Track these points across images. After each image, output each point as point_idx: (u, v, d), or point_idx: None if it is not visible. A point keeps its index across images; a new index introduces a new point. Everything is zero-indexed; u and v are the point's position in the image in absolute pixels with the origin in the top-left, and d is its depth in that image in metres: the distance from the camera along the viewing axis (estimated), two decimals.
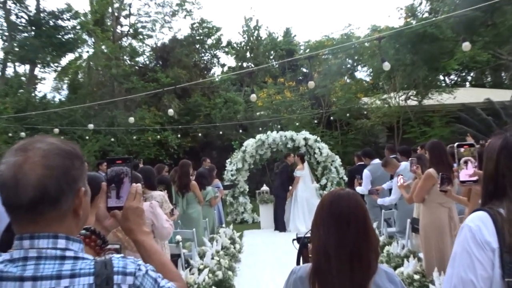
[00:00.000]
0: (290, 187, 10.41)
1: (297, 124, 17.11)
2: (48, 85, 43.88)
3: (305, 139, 11.74)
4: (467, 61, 17.71)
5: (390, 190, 6.74)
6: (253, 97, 8.93)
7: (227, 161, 12.25)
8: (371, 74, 19.09)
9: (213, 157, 19.90)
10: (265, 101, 18.37)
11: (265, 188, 11.69)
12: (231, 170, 11.89)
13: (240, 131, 18.78)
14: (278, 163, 11.59)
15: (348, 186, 8.24)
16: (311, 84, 8.05)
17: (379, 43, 8.51)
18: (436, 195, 4.30)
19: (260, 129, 16.94)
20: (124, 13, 22.06)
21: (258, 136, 11.96)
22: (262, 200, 11.14)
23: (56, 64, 19.72)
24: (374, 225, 6.40)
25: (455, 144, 2.06)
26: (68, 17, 18.37)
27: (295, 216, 10.01)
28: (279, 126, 16.77)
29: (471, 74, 23.85)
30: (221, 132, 18.35)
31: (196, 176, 7.52)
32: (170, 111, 10.60)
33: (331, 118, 18.49)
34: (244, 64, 23.43)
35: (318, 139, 12.13)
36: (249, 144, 11.77)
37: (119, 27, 21.82)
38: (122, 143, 17.88)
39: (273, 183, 11.29)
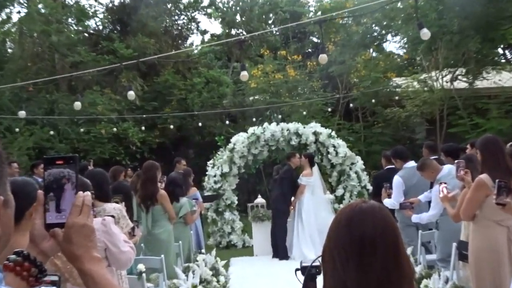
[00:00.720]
0: (293, 199, 10.59)
1: (305, 113, 17.25)
2: None
3: (315, 133, 12.00)
4: None
5: (429, 203, 6.81)
6: (244, 75, 9.02)
7: (208, 163, 12.46)
8: (406, 46, 19.08)
9: (190, 158, 19.61)
10: (261, 82, 18.53)
11: (260, 200, 11.92)
12: (214, 176, 12.13)
13: (227, 122, 18.92)
14: (278, 166, 11.88)
15: (373, 198, 8.32)
16: (324, 58, 8.12)
17: (416, 3, 8.46)
18: (491, 210, 4.34)
19: (254, 119, 17.07)
20: None
21: (251, 130, 12.24)
22: (256, 216, 11.34)
23: None
24: (408, 251, 6.46)
25: None
26: None
27: (300, 238, 10.22)
28: (279, 116, 16.86)
29: None
30: (200, 124, 18.56)
31: (166, 184, 7.61)
32: (131, 94, 10.66)
33: (351, 105, 18.77)
34: (233, 32, 23.67)
35: (333, 133, 12.40)
36: (239, 140, 12.00)
37: None
38: (65, 137, 17.97)
39: (271, 194, 11.47)
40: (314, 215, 10.24)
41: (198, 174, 11.99)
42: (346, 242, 1.81)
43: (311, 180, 10.36)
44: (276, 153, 12.44)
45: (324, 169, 12.07)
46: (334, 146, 11.94)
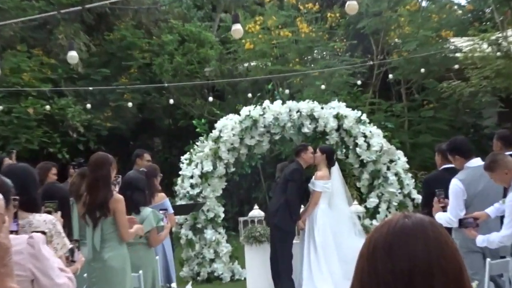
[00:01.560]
0: (302, 210, 10.78)
1: (323, 87, 17.22)
2: None
3: (338, 117, 12.22)
4: None
5: (501, 218, 6.84)
6: (237, 31, 9.06)
7: (183, 158, 12.65)
8: None
9: (157, 151, 20.43)
10: (260, 41, 18.62)
11: (256, 213, 12.10)
12: (191, 177, 12.36)
13: (211, 99, 18.74)
14: (284, 164, 12.00)
15: (422, 210, 8.44)
16: (353, 7, 8.20)
17: None
18: None
19: (250, 96, 17.06)
20: None
21: (245, 111, 12.47)
22: (250, 236, 11.50)
23: None
24: (473, 286, 6.28)
25: None
26: None
27: (312, 269, 10.30)
28: (287, 91, 16.60)
29: None
30: (172, 101, 18.74)
31: (121, 187, 7.69)
32: (72, 57, 10.72)
33: (390, 77, 18.73)
34: None
35: (364, 117, 12.56)
36: (228, 125, 12.23)
37: None
38: None
39: (270, 204, 11.56)
40: (332, 236, 10.39)
41: (168, 174, 12.46)
42: (386, 277, 1.82)
43: (328, 185, 10.51)
44: (281, 145, 12.77)
45: (350, 169, 12.34)
46: (365, 136, 12.10)
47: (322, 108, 12.31)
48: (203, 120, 13.24)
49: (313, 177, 10.62)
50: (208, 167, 12.02)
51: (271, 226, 10.87)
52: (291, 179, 10.51)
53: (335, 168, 10.88)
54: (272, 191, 12.36)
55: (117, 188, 7.53)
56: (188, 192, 12.10)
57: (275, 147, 12.75)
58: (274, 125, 12.19)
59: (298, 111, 12.20)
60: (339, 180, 10.92)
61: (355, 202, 11.95)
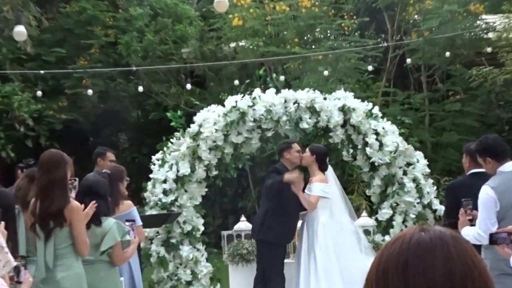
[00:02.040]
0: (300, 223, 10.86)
1: (326, 73, 17.13)
2: None
3: (345, 109, 12.24)
4: None
5: None
6: (222, 3, 9.26)
7: (154, 158, 12.64)
8: None
9: (122, 149, 20.56)
10: (251, 17, 18.58)
11: (243, 225, 12.26)
12: (165, 181, 12.26)
13: (189, 86, 18.64)
14: (277, 166, 12.05)
15: (444, 223, 8.51)
16: None
17: None
18: None
19: (237, 83, 16.95)
20: None
21: (230, 101, 12.38)
22: (236, 254, 11.60)
23: None
24: None
25: None
26: None
27: None
28: (282, 78, 16.78)
29: None
30: (141, 89, 18.80)
31: (78, 192, 7.68)
32: (19, 33, 10.79)
33: (408, 61, 18.62)
34: None
35: (376, 110, 12.55)
36: (209, 119, 12.22)
37: None
38: None
39: (258, 216, 11.62)
40: (335, 255, 10.47)
41: (137, 178, 12.47)
42: None
43: (327, 189, 10.67)
44: (274, 143, 12.58)
45: (358, 173, 12.37)
46: (376, 133, 12.12)
47: (325, 98, 12.29)
48: (179, 112, 13.02)
49: (310, 182, 10.73)
50: (185, 169, 11.82)
51: (257, 242, 10.99)
52: (268, 185, 10.74)
53: (330, 173, 10.99)
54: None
55: (73, 194, 7.50)
56: (160, 200, 11.91)
57: (267, 145, 12.63)
58: (266, 119, 12.17)
59: (295, 102, 12.19)
60: (335, 186, 11.00)
61: (364, 213, 12.07)
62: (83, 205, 7.22)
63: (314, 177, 10.72)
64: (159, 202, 12.12)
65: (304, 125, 12.25)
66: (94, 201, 7.40)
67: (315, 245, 10.46)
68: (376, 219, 12.15)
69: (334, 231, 10.63)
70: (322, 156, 10.82)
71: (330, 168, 11.00)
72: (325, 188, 10.58)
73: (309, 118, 12.29)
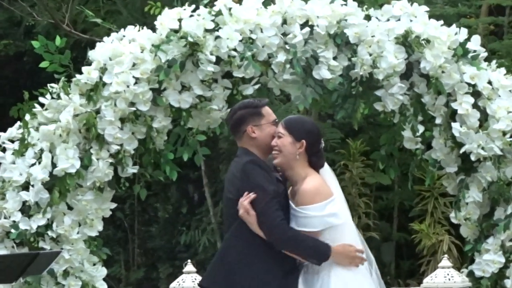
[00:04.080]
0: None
1: None
2: None
3: (409, 40, 9.24)
4: None
5: None
6: None
7: (3, 136, 9.51)
8: None
9: None
10: None
11: (188, 281, 10.59)
12: (24, 186, 9.38)
13: None
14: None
15: None
16: None
17: None
18: None
19: None
20: None
21: (166, 17, 9.32)
22: None
23: None
24: None
25: None
26: None
27: None
28: None
29: None
30: None
31: None
32: None
33: None
34: None
35: (477, 45, 9.47)
36: (121, 55, 9.11)
37: None
38: None
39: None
40: None
41: None
42: None
43: (335, 207, 7.02)
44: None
45: (431, 178, 9.67)
46: (475, 93, 8.86)
47: (368, 16, 8.88)
48: (58, 39, 9.13)
49: (290, 203, 7.05)
50: (68, 161, 8.64)
51: None
52: (245, 183, 6.95)
53: (327, 171, 7.37)
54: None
55: None
56: (15, 226, 8.75)
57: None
58: (242, 57, 8.78)
59: (306, 23, 8.72)
60: (339, 194, 7.42)
61: (445, 260, 9.48)
62: None
63: (304, 180, 6.97)
64: (12, 231, 8.85)
65: (323, 72, 8.77)
66: None
67: None
68: (471, 273, 9.10)
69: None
70: (316, 140, 7.18)
71: (327, 167, 7.48)
72: (330, 206, 6.87)
73: (335, 57, 8.88)
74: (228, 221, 7.16)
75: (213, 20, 8.75)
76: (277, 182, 6.90)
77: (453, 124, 8.48)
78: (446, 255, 10.27)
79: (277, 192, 6.72)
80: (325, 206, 6.65)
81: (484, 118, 8.62)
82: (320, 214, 6.66)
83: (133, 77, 8.57)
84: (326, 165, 7.14)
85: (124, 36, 8.86)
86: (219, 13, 8.71)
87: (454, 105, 8.49)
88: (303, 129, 6.89)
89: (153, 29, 8.92)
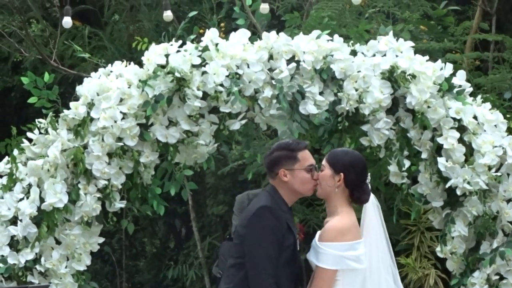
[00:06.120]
0: None
1: None
2: None
3: (395, 75, 9.37)
4: None
5: None
6: None
7: None
8: None
9: None
10: None
11: None
12: (12, 221, 9.39)
13: (67, 22, 15.63)
14: (252, 193, 11.39)
15: None
16: None
17: None
18: None
19: (169, 15, 14.27)
20: None
21: (153, 52, 9.58)
22: None
23: None
24: None
25: None
26: None
27: None
28: (264, 6, 13.27)
29: None
30: None
31: None
32: None
33: None
34: None
35: (463, 79, 9.74)
36: (109, 90, 9.45)
37: None
38: None
39: None
40: None
41: None
42: None
43: (358, 251, 7.15)
44: (246, 144, 10.13)
45: (417, 212, 9.85)
46: (460, 128, 9.13)
47: (354, 52, 9.13)
48: (46, 75, 9.36)
49: (317, 234, 7.25)
50: (55, 196, 8.77)
51: None
52: (249, 234, 7.16)
53: (371, 207, 7.44)
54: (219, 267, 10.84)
55: None
56: (3, 260, 8.92)
57: (230, 150, 10.64)
58: (229, 92, 8.99)
59: (292, 59, 8.94)
60: (381, 234, 7.55)
61: None
62: None
63: (334, 217, 7.20)
64: (1, 265, 9.04)
65: (309, 107, 9.00)
66: None
67: None
68: None
69: None
70: (358, 174, 7.30)
71: (372, 198, 7.44)
72: (348, 248, 7.02)
73: (321, 92, 9.17)
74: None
75: (199, 56, 8.87)
76: (287, 231, 6.89)
77: (438, 159, 8.68)
78: None
79: (281, 248, 6.77)
80: (346, 247, 6.83)
81: (470, 153, 8.76)
82: (338, 253, 6.81)
83: (120, 112, 8.75)
84: (372, 201, 7.32)
85: (111, 71, 9.08)
86: (205, 48, 8.88)
87: (439, 140, 8.66)
88: (343, 162, 7.05)
89: (140, 64, 9.01)
